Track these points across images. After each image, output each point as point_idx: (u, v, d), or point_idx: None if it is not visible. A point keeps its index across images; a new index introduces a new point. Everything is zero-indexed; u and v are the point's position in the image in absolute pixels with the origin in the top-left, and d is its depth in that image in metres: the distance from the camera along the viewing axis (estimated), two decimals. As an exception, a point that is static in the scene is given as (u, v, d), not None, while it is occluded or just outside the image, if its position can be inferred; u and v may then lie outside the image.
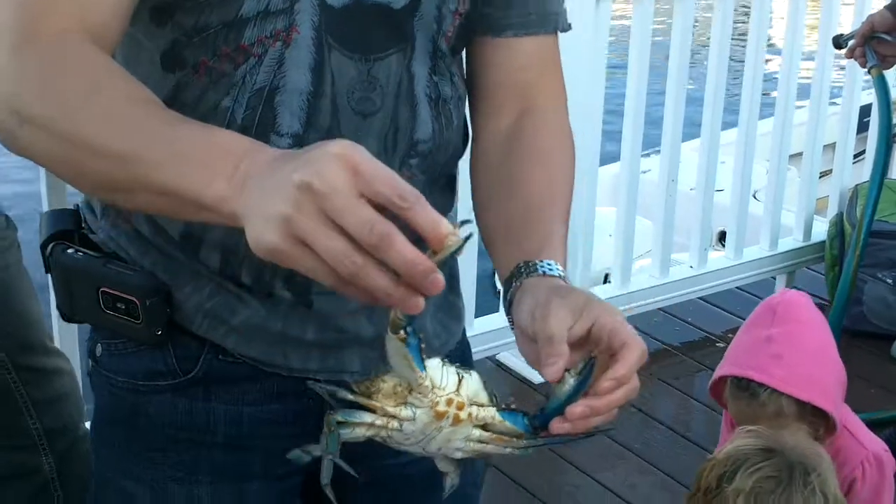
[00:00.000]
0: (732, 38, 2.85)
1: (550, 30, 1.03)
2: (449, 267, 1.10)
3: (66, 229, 1.02)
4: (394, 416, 0.79)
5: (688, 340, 2.97)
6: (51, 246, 1.00)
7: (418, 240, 0.68)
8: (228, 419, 1.01)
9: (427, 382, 0.78)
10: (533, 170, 0.99)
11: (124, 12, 0.86)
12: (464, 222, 0.70)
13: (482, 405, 0.81)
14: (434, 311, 1.08)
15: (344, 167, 0.67)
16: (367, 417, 0.80)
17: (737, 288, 3.11)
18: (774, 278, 3.21)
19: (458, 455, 0.83)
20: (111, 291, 0.97)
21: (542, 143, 1.01)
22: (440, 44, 0.97)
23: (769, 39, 3.00)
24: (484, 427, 0.82)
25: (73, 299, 1.01)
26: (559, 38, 1.05)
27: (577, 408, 0.80)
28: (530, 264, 0.91)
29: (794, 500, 1.47)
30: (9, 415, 1.66)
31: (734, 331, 3.02)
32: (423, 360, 0.77)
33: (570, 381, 0.81)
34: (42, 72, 0.80)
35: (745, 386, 1.67)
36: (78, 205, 1.04)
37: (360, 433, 0.81)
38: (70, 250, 1.00)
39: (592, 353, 0.81)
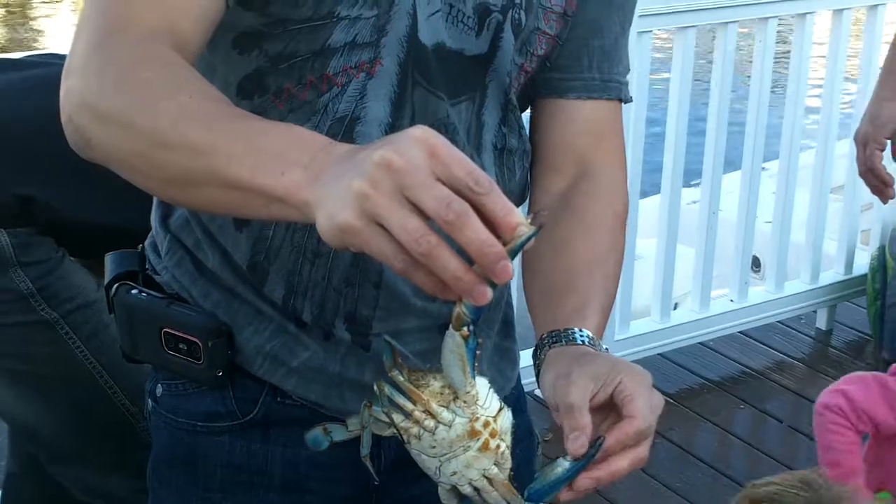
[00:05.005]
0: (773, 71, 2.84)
1: (613, 96, 1.04)
2: (504, 314, 1.10)
3: (130, 270, 1.02)
4: (433, 416, 0.78)
5: (728, 375, 2.94)
6: (115, 286, 1.01)
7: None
8: (286, 461, 1.01)
9: (473, 392, 0.77)
10: (577, 239, 0.98)
11: (204, 31, 0.86)
12: (536, 213, 0.69)
13: (508, 446, 0.80)
14: (490, 354, 1.07)
15: (423, 149, 0.67)
16: (409, 405, 0.78)
17: (777, 322, 3.08)
18: (815, 312, 3.18)
19: (467, 490, 0.81)
20: (174, 332, 0.98)
21: (591, 212, 1.01)
22: (511, 97, 0.99)
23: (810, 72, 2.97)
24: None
25: (135, 339, 1.01)
26: None
27: (583, 481, 0.80)
28: (553, 334, 0.91)
29: None
30: None
31: (775, 365, 3.03)
32: (475, 369, 0.76)
33: (565, 465, 0.80)
34: (123, 64, 0.80)
35: None
36: (143, 246, 1.05)
37: (395, 420, 0.79)
38: (134, 290, 1.01)
39: (600, 437, 0.80)
